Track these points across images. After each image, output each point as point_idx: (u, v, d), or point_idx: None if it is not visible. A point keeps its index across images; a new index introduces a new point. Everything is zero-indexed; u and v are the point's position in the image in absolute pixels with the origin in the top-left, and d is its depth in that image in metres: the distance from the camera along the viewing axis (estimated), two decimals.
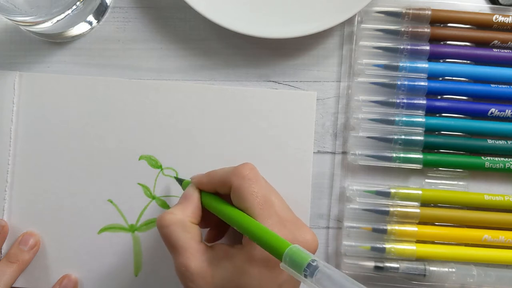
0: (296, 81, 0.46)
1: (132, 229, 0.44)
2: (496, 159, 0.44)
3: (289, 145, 0.45)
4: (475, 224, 0.44)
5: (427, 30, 0.44)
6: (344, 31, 0.46)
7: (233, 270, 0.34)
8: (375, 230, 0.43)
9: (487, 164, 0.44)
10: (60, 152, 0.45)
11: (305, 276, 0.29)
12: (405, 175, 0.45)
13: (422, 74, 0.44)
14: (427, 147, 0.44)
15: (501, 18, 0.45)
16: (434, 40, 0.45)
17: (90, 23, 0.45)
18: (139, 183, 0.45)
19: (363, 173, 0.45)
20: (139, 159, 0.45)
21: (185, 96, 0.45)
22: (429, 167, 0.44)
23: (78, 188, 0.44)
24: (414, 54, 0.45)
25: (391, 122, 0.44)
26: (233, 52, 0.46)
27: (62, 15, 0.41)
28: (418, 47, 0.44)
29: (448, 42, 0.45)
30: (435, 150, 0.44)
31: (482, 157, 0.44)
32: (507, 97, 0.45)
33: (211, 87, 0.45)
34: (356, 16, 0.45)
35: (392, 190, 0.43)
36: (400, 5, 0.45)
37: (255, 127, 0.45)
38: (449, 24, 0.45)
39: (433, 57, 0.45)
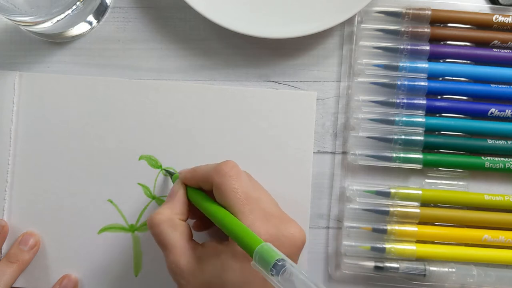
0: (296, 81, 0.46)
1: (132, 229, 0.44)
2: (496, 159, 0.44)
3: (289, 145, 0.45)
4: (475, 224, 0.44)
5: (427, 30, 0.44)
6: (344, 31, 0.46)
7: (220, 266, 0.35)
8: (375, 230, 0.43)
9: (487, 164, 0.44)
10: (60, 152, 0.45)
11: (272, 274, 0.29)
12: (405, 175, 0.45)
13: (422, 74, 0.44)
14: (427, 147, 0.44)
15: (501, 18, 0.45)
16: (434, 40, 0.45)
17: (90, 23, 0.45)
18: (139, 183, 0.45)
19: (363, 173, 0.45)
20: (139, 159, 0.45)
21: (185, 96, 0.45)
22: (429, 167, 0.44)
23: (78, 188, 0.44)
24: (414, 54, 0.45)
25: (391, 122, 0.44)
26: (233, 52, 0.46)
27: (62, 15, 0.41)
28: (418, 47, 0.44)
29: (448, 42, 0.45)
30: (435, 150, 0.44)
31: (482, 157, 0.44)
32: (507, 97, 0.45)
33: (211, 87, 0.45)
34: (356, 16, 0.45)
35: (392, 190, 0.43)
36: (400, 5, 0.45)
37: (255, 127, 0.45)
38: (449, 24, 0.45)
39: (433, 57, 0.45)
